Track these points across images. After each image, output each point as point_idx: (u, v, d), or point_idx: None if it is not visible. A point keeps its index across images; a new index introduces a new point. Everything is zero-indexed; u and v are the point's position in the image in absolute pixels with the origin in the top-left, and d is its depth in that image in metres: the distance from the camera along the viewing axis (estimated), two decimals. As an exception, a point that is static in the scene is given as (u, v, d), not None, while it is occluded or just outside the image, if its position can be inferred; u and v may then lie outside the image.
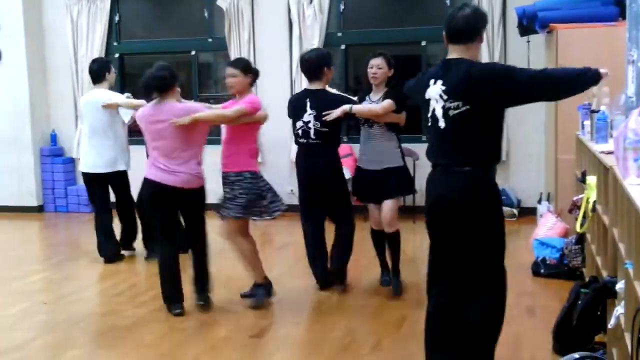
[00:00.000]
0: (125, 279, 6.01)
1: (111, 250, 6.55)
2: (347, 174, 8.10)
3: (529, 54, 7.52)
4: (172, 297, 5.00)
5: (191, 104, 5.17)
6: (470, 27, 3.46)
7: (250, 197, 4.99)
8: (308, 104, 5.28)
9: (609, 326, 3.53)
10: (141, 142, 5.36)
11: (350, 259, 5.51)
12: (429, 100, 3.47)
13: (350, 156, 8.47)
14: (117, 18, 9.52)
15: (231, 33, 8.89)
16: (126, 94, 6.78)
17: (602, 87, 5.21)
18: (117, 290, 5.74)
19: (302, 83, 5.59)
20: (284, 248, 7.37)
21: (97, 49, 9.35)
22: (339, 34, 8.80)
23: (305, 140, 5.32)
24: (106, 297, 5.62)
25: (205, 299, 5.07)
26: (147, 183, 4.95)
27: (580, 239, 5.44)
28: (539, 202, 7.45)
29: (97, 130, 6.45)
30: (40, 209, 9.58)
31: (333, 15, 8.75)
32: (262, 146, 8.98)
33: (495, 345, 3.55)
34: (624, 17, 5.59)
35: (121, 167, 6.54)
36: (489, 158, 3.47)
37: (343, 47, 8.76)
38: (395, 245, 5.36)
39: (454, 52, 3.47)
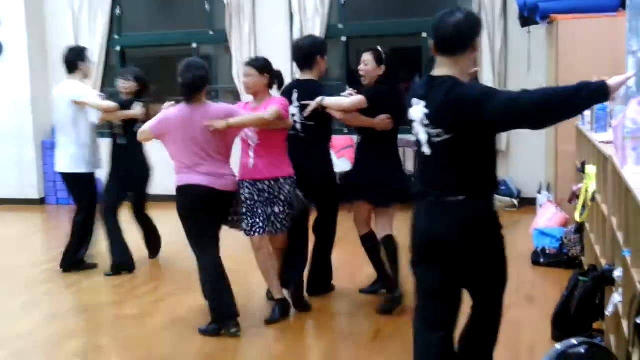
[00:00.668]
0: (126, 272, 6.03)
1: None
2: (348, 165, 8.20)
3: (530, 45, 7.54)
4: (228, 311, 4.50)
5: (228, 105, 4.81)
6: (462, 36, 2.93)
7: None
8: (295, 96, 4.88)
9: (607, 314, 3.57)
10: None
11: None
12: (412, 122, 3.02)
13: (350, 148, 8.49)
14: (118, 11, 9.53)
15: (232, 25, 8.90)
16: (99, 94, 6.43)
17: (602, 77, 5.26)
18: (118, 281, 5.78)
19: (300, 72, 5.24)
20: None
21: (98, 42, 9.37)
22: (340, 26, 8.81)
23: (292, 132, 4.85)
24: (108, 288, 5.65)
25: None
26: (190, 190, 4.46)
27: (580, 228, 5.47)
28: (539, 192, 7.47)
29: (61, 125, 6.05)
30: (42, 201, 9.62)
31: (334, 7, 8.77)
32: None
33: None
34: (624, 8, 5.60)
35: (80, 170, 5.96)
36: (483, 189, 2.98)
37: (344, 39, 8.77)
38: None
39: (442, 66, 2.96)
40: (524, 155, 8.35)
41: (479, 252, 2.92)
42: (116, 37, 9.59)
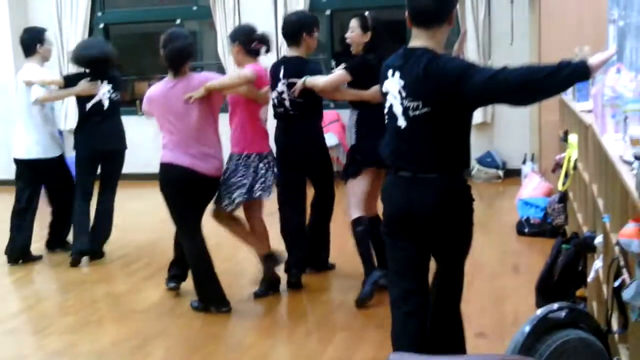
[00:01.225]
0: (117, 249, 6.07)
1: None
2: (334, 139, 8.23)
3: (513, 16, 7.56)
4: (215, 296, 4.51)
5: (204, 73, 4.68)
6: (439, 8, 2.88)
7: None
8: (282, 73, 4.78)
9: (589, 280, 3.65)
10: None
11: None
12: (386, 93, 2.99)
13: (337, 122, 8.52)
14: (100, -13, 9.47)
15: (216, 1, 8.86)
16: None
17: (584, 47, 5.31)
18: (108, 259, 5.81)
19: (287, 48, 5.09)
20: (274, 214, 7.43)
21: (81, 20, 9.30)
22: (324, 0, 8.80)
23: (282, 110, 4.83)
24: (98, 266, 5.68)
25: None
26: (171, 169, 4.38)
27: (563, 197, 5.55)
28: (524, 162, 7.55)
29: (17, 110, 5.77)
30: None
31: (318, -20, 8.75)
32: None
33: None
34: (606, -23, 5.62)
35: (32, 155, 5.71)
36: (458, 163, 2.98)
37: (328, 12, 8.76)
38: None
39: (417, 38, 2.90)
40: (508, 127, 8.40)
41: (451, 225, 2.95)
42: (99, 13, 9.52)
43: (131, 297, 4.85)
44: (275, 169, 4.70)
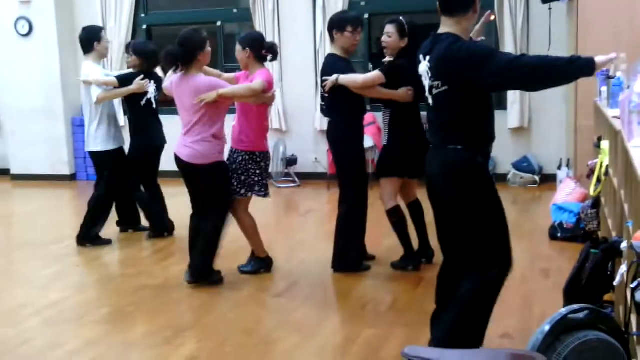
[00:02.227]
0: (153, 243, 6.24)
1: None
2: (370, 141, 8.29)
3: (551, 22, 7.54)
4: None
5: (214, 79, 4.94)
6: None
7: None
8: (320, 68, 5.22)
9: (615, 284, 3.66)
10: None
11: (356, 243, 5.25)
12: (421, 76, 3.35)
13: (373, 124, 8.58)
14: (144, -10, 9.69)
15: (256, 3, 9.00)
16: (109, 74, 6.37)
17: (621, 54, 5.29)
18: (145, 253, 5.99)
19: (327, 52, 5.41)
20: (308, 214, 7.55)
21: (125, 21, 9.54)
22: (362, 3, 8.88)
23: (322, 103, 5.20)
24: (135, 260, 5.85)
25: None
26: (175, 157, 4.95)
27: (596, 203, 5.54)
28: (559, 168, 7.53)
29: (83, 106, 6.26)
30: (72, 177, 9.87)
31: (356, -15, 8.83)
32: (287, 114, 9.16)
33: (486, 323, 3.41)
34: (643, -17, 5.61)
35: (95, 148, 6.12)
36: (473, 138, 3.26)
37: (366, 16, 8.83)
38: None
39: (445, 25, 3.27)
40: (545, 132, 8.38)
41: (458, 199, 3.23)
42: (142, 15, 9.75)
43: (166, 290, 4.98)
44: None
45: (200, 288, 4.95)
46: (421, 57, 3.32)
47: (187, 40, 4.78)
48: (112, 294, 5.01)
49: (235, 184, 5.00)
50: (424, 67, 3.29)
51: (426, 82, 3.30)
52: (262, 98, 4.88)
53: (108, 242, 6.23)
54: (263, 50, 4.96)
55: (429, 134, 3.43)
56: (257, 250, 5.24)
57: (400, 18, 4.96)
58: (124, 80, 6.05)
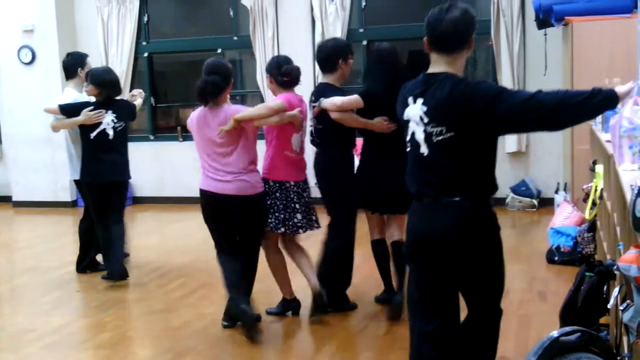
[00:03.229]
0: (155, 269, 6.28)
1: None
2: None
3: (547, 47, 7.65)
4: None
5: (234, 106, 4.67)
6: (459, 34, 2.86)
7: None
8: (313, 99, 4.88)
9: (609, 306, 3.70)
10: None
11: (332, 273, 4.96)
12: (407, 121, 2.95)
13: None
14: (145, 18, 9.82)
15: (256, 31, 9.13)
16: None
17: (615, 78, 5.38)
18: (147, 278, 6.02)
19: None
20: (307, 239, 7.57)
21: (126, 49, 9.67)
22: (361, 30, 9.01)
23: (311, 138, 4.95)
24: (136, 286, 5.88)
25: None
26: (202, 194, 4.59)
27: (592, 226, 5.59)
28: (556, 192, 7.58)
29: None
30: (73, 203, 9.92)
31: (354, 12, 8.97)
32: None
33: None
34: (638, 9, 5.69)
35: (73, 177, 6.15)
36: (483, 188, 2.96)
37: (365, 42, 8.94)
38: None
39: (438, 64, 2.90)
40: (543, 156, 8.46)
41: (474, 252, 2.89)
42: (144, 43, 9.88)
43: (166, 315, 5.02)
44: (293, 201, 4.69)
45: (199, 314, 4.98)
46: (410, 99, 2.93)
47: (220, 67, 4.58)
48: (113, 319, 5.04)
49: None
50: (415, 111, 2.90)
51: (418, 129, 2.90)
52: (285, 117, 4.56)
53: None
54: (280, 75, 4.72)
55: (417, 185, 2.99)
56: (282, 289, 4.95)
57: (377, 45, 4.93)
58: (68, 110, 5.82)
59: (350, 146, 4.97)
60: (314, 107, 4.83)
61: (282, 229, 4.65)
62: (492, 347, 3.15)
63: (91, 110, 5.75)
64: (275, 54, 8.97)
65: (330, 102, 4.63)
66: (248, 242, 4.66)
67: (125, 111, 6.00)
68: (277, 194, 4.65)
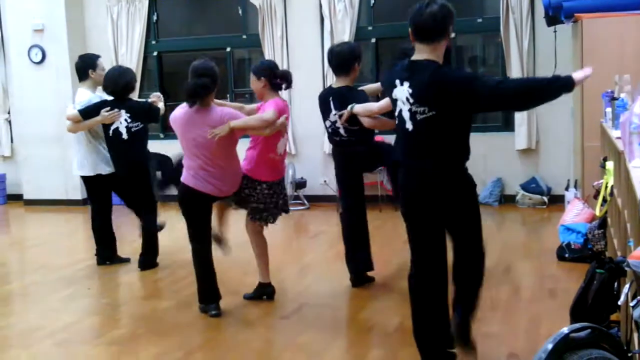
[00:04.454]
0: (165, 266, 6.30)
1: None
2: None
3: (556, 44, 7.63)
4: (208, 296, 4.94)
5: (226, 109, 4.84)
6: (438, 26, 3.33)
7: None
8: (332, 105, 5.16)
9: (619, 303, 3.69)
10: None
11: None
12: (396, 100, 3.47)
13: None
14: (155, 17, 9.86)
15: (264, 29, 9.15)
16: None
17: (624, 75, 5.36)
18: (156, 276, 6.05)
19: (334, 77, 5.41)
20: (317, 236, 7.61)
21: (136, 48, 9.71)
22: (370, 28, 9.00)
23: (337, 138, 5.25)
24: (147, 283, 5.92)
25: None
26: (185, 189, 4.81)
27: (603, 223, 5.57)
28: (567, 189, 7.55)
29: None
30: (84, 202, 9.92)
31: (363, 10, 8.97)
32: (296, 138, 9.25)
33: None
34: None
35: (82, 172, 6.29)
36: (458, 158, 3.49)
37: (373, 40, 8.94)
38: None
39: (420, 52, 3.39)
40: (553, 153, 8.44)
41: (452, 205, 3.47)
42: (153, 42, 9.91)
43: (176, 312, 5.04)
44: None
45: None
46: (397, 81, 3.42)
47: (209, 70, 4.72)
48: (124, 316, 5.07)
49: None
50: (402, 93, 3.40)
51: (404, 107, 3.41)
52: (275, 127, 4.81)
53: (126, 259, 6.40)
54: (276, 78, 4.95)
55: (404, 156, 3.55)
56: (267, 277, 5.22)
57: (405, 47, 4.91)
58: (87, 113, 5.97)
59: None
60: (341, 114, 5.02)
61: (256, 219, 5.03)
62: (476, 286, 3.66)
63: (107, 111, 5.91)
64: (285, 52, 9.02)
65: (365, 109, 4.86)
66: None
67: (139, 111, 6.07)
68: (258, 189, 4.96)
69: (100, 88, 6.23)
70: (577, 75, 3.21)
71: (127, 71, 6.20)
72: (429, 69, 3.31)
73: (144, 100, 6.45)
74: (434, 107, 3.32)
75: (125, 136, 5.98)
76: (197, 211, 4.84)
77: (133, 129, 6.00)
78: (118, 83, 5.97)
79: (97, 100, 6.09)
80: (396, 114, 3.50)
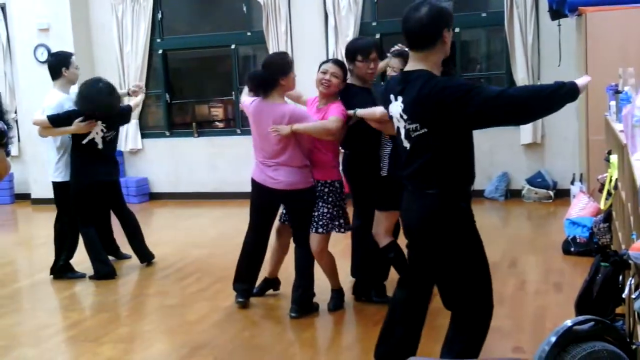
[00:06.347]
0: (171, 264, 6.33)
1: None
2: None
3: (560, 38, 7.61)
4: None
5: (297, 109, 4.69)
6: (427, 32, 2.92)
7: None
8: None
9: (624, 296, 3.69)
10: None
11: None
12: (392, 117, 3.16)
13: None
14: (159, 15, 9.87)
15: (269, 26, 9.16)
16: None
17: (628, 68, 5.35)
18: (163, 273, 6.07)
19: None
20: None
21: (141, 46, 9.73)
22: (374, 24, 9.01)
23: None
24: (153, 280, 5.94)
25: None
26: (251, 180, 4.77)
27: (608, 217, 5.56)
28: (572, 183, 7.55)
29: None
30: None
31: (367, 5, 8.98)
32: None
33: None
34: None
35: (53, 179, 5.96)
36: (454, 181, 3.06)
37: (378, 36, 8.94)
38: None
39: (413, 61, 3.01)
40: (558, 147, 8.43)
41: (438, 243, 3.10)
42: (158, 40, 9.93)
43: (183, 309, 5.06)
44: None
45: (215, 308, 5.02)
46: (392, 97, 3.08)
47: (269, 64, 4.62)
48: (131, 314, 5.11)
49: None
50: (396, 109, 3.06)
51: (400, 125, 3.08)
52: (336, 136, 4.60)
53: (81, 275, 6.01)
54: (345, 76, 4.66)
55: (403, 175, 3.18)
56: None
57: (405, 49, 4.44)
58: (57, 120, 5.68)
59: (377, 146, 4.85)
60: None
61: (328, 229, 4.71)
62: (468, 343, 3.25)
63: (82, 121, 5.65)
64: (289, 48, 9.01)
65: (369, 113, 4.48)
66: (297, 233, 4.81)
67: (117, 119, 5.93)
68: (337, 190, 4.70)
69: (73, 88, 6.00)
70: (580, 81, 2.93)
71: (105, 88, 5.76)
72: (420, 81, 2.92)
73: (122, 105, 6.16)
74: (425, 124, 2.95)
75: (100, 147, 5.80)
76: (257, 204, 4.82)
77: (108, 139, 5.84)
78: (99, 106, 5.67)
79: (68, 103, 5.80)
80: (395, 131, 3.18)
